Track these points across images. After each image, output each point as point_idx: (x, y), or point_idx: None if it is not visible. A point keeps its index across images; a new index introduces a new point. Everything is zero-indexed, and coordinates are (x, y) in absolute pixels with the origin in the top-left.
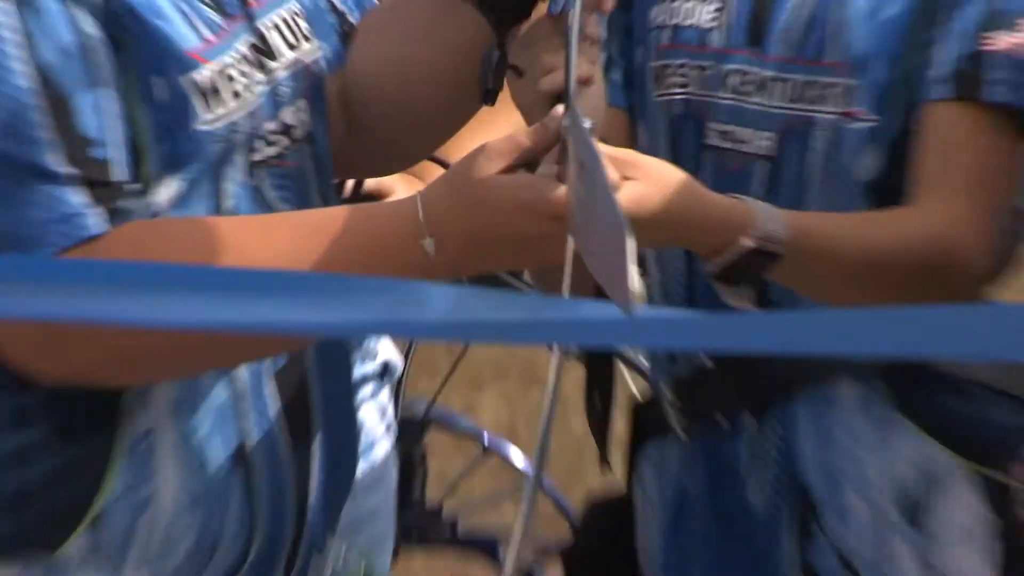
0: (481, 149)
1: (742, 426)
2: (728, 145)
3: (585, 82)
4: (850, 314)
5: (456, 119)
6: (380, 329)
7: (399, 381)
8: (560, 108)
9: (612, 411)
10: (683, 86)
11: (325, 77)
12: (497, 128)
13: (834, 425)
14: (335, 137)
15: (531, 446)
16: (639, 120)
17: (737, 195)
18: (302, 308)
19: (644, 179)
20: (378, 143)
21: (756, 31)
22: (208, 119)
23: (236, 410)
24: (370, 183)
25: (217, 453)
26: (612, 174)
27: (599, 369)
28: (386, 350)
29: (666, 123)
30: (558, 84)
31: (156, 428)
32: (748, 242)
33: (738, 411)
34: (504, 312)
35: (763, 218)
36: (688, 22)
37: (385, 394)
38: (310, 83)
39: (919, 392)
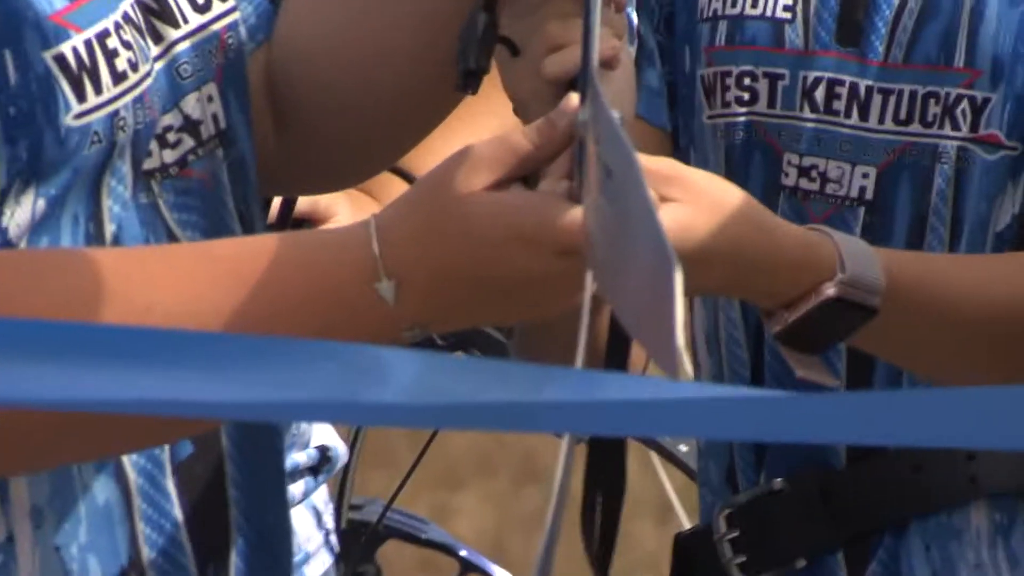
0: (462, 155)
1: (829, 569)
2: (812, 185)
3: (608, 64)
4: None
5: (426, 115)
6: (317, 413)
7: (344, 475)
8: (574, 98)
9: (618, 525)
10: (747, 103)
11: (246, 52)
12: (481, 127)
13: (962, 566)
14: (260, 139)
15: (524, 565)
16: (687, 147)
17: (817, 226)
18: (209, 381)
19: (689, 200)
20: (317, 149)
21: (851, 24)
22: (81, 110)
23: (124, 515)
24: (303, 203)
25: (99, 573)
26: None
27: (605, 461)
28: (323, 434)
29: (722, 154)
30: (570, 66)
31: (17, 536)
32: (831, 290)
33: (824, 549)
34: (492, 387)
35: (852, 258)
36: (754, 12)
37: (322, 493)
38: (224, 60)
39: None
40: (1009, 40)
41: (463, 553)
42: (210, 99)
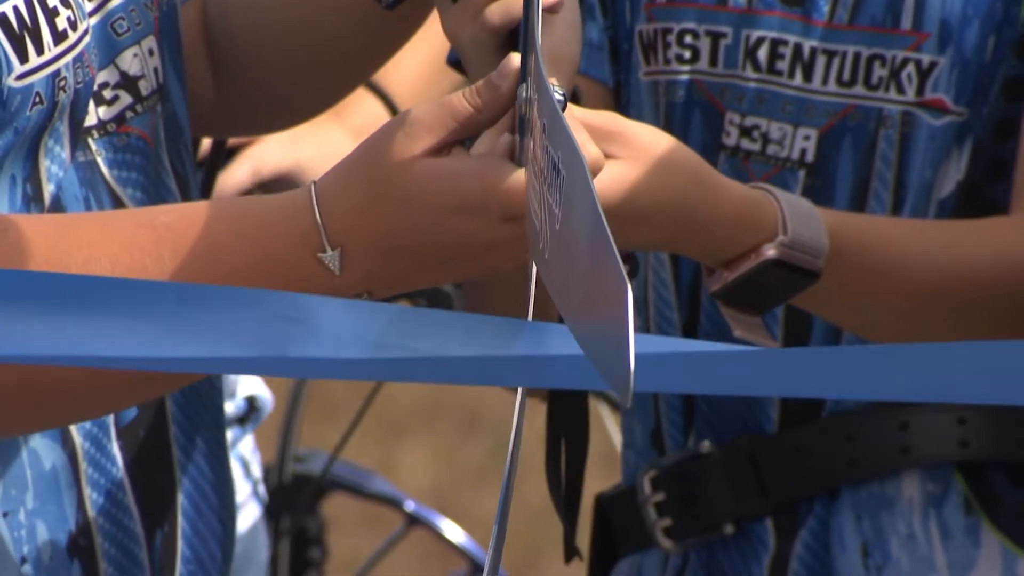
0: (401, 120)
1: (757, 536)
2: (753, 146)
3: (551, 8)
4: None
5: (365, 56)
6: (237, 366)
7: (288, 427)
8: (515, 59)
9: (584, 472)
10: (688, 61)
11: (178, 1)
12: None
13: (892, 536)
14: (197, 85)
15: (469, 516)
16: (627, 104)
17: (762, 184)
18: (132, 332)
19: (629, 156)
20: (255, 90)
21: None
22: (23, 71)
23: (71, 480)
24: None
25: (47, 538)
26: (591, 150)
27: (568, 409)
28: (251, 384)
29: (662, 112)
30: (513, 15)
31: None
32: (771, 252)
33: (752, 514)
34: (428, 339)
35: (796, 219)
36: None
37: (248, 443)
38: (159, 12)
39: (1012, 494)
40: (958, 3)
41: (409, 507)
42: (151, 52)
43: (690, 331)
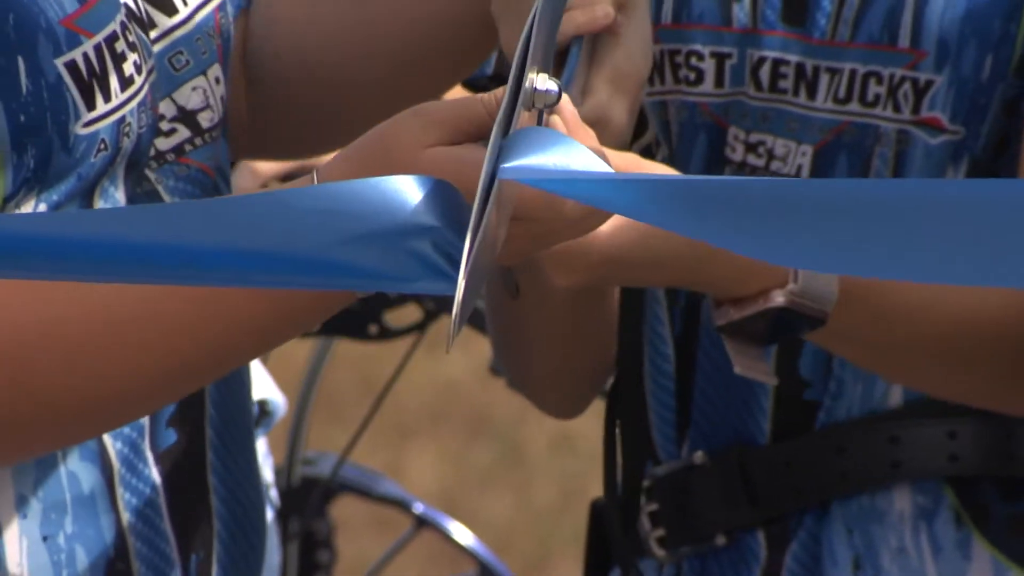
0: (416, 113)
1: (749, 548)
2: (759, 161)
3: (608, 30)
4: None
5: (421, 93)
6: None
7: (296, 429)
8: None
9: (644, 467)
10: (693, 83)
11: (232, 25)
12: None
13: (883, 550)
14: (233, 103)
15: (477, 518)
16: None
17: None
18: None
19: None
20: (288, 113)
21: (798, 3)
22: (90, 118)
23: (108, 504)
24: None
25: (85, 563)
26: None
27: (627, 396)
28: (262, 388)
29: (670, 132)
30: (567, 33)
31: (3, 526)
32: (780, 299)
33: (743, 525)
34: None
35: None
36: None
37: (261, 446)
38: (221, 39)
39: (1003, 508)
40: (956, 22)
41: (418, 509)
42: (218, 81)
43: (683, 344)
